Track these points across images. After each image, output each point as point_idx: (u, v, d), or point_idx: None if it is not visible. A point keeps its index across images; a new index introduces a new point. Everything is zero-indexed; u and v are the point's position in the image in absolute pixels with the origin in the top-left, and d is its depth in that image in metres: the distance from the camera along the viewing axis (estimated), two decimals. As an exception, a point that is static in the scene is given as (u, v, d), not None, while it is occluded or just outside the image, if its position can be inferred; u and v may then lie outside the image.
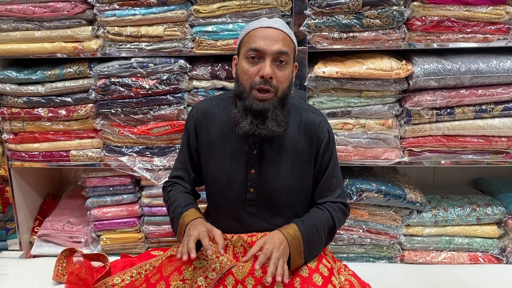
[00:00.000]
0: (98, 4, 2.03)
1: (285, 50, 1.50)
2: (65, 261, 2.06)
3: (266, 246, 1.43)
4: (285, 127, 1.56)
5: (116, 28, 2.05)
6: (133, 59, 2.07)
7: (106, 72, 2.07)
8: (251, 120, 1.51)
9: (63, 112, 2.16)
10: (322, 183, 1.68)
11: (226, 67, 2.07)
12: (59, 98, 2.16)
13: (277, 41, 1.49)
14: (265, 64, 1.48)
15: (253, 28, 1.54)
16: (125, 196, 2.28)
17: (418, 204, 2.10)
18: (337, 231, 2.12)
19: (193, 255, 1.40)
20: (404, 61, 1.98)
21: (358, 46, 1.97)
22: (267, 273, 1.38)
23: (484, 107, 2.02)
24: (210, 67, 2.09)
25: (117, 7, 2.03)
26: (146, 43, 2.05)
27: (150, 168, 2.17)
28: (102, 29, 2.06)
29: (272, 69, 1.49)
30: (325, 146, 1.64)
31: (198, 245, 1.50)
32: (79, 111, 2.15)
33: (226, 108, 1.66)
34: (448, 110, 2.02)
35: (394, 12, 1.89)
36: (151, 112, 2.11)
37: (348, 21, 1.92)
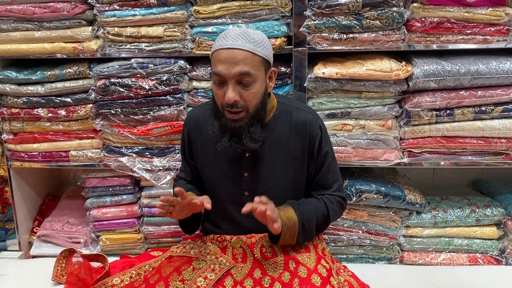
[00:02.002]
0: (98, 5, 2.03)
1: (246, 70, 1.45)
2: (64, 261, 2.06)
3: (262, 201, 1.45)
4: (259, 143, 1.55)
5: (116, 28, 2.05)
6: (133, 60, 2.07)
7: (106, 73, 2.07)
8: (228, 138, 1.53)
9: (62, 112, 2.16)
10: (319, 179, 1.68)
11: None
12: (59, 98, 2.16)
13: (237, 63, 1.44)
14: (228, 88, 1.46)
15: (215, 49, 1.50)
16: (124, 196, 2.28)
17: (417, 205, 2.10)
18: (337, 232, 2.14)
19: (177, 189, 1.46)
20: (403, 62, 1.98)
21: (358, 47, 1.97)
22: (253, 203, 1.43)
23: (483, 108, 2.02)
24: (209, 68, 2.09)
25: (117, 7, 2.03)
26: (146, 44, 2.06)
27: (149, 168, 2.17)
28: (102, 30, 2.07)
29: (237, 91, 1.46)
30: (319, 143, 1.64)
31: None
32: (78, 111, 2.15)
33: None
34: (448, 111, 2.02)
35: (394, 13, 1.89)
36: (151, 113, 2.11)
37: (348, 22, 1.92)
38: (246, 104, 1.49)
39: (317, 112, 1.96)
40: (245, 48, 1.46)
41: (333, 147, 2.04)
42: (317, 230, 1.65)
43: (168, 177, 2.15)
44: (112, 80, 2.08)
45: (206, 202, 1.50)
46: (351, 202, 2.05)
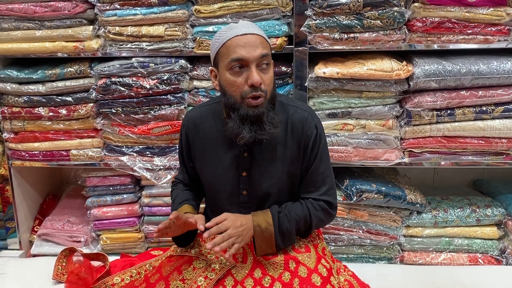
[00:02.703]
0: (99, 4, 2.03)
1: (266, 52, 1.48)
2: (65, 260, 2.06)
3: (224, 222, 1.48)
4: (279, 128, 1.55)
5: (117, 27, 2.05)
6: (133, 59, 2.08)
7: (107, 72, 2.08)
8: (249, 128, 1.51)
9: (63, 111, 2.16)
10: (307, 178, 1.66)
11: (227, 67, 2.07)
12: (60, 97, 2.16)
13: (257, 46, 1.47)
14: (251, 72, 1.46)
15: (228, 38, 1.49)
16: (125, 195, 2.28)
17: (418, 205, 2.10)
18: (337, 231, 2.14)
19: (172, 216, 1.45)
20: (404, 62, 1.98)
21: (358, 47, 1.97)
22: (211, 242, 1.43)
23: (484, 108, 2.02)
24: (210, 67, 2.09)
25: (118, 6, 2.03)
26: (147, 43, 2.06)
27: (150, 167, 2.17)
28: (103, 29, 2.07)
29: (259, 76, 1.47)
30: (313, 142, 1.62)
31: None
32: (79, 110, 2.15)
33: (215, 113, 1.67)
34: (449, 111, 2.02)
35: (395, 13, 1.89)
36: (152, 112, 2.11)
37: (349, 21, 1.92)
38: (265, 88, 1.50)
39: (318, 112, 1.96)
40: (260, 34, 1.51)
41: (334, 147, 2.06)
42: (299, 236, 1.66)
43: (169, 176, 2.15)
44: (113, 79, 2.08)
45: (199, 223, 1.48)
46: (352, 201, 2.05)
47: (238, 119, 1.51)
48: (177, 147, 2.14)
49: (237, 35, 1.48)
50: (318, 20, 1.93)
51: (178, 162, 2.11)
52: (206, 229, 1.47)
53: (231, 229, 1.46)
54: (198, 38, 2.03)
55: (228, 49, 1.48)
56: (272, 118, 1.51)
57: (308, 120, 1.62)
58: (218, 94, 2.06)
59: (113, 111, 2.12)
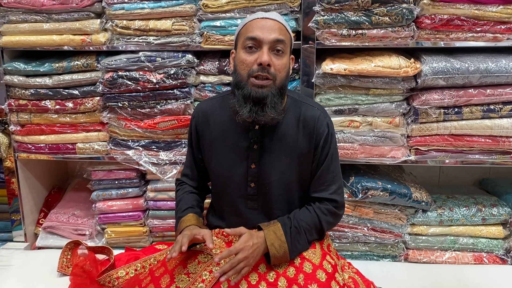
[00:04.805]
0: (107, -3, 2.03)
1: (282, 38, 1.52)
2: (69, 253, 2.07)
3: (236, 245, 1.46)
4: (284, 116, 1.56)
5: (124, 21, 2.05)
6: (140, 53, 2.07)
7: (114, 66, 2.08)
8: (250, 107, 1.52)
9: (70, 104, 2.16)
10: (317, 177, 1.67)
11: (234, 63, 2.07)
12: (66, 90, 2.16)
13: (274, 30, 1.52)
14: (262, 52, 1.50)
15: (249, 20, 1.56)
16: (130, 189, 2.28)
17: (423, 203, 2.10)
18: (342, 228, 2.14)
19: (184, 248, 1.44)
20: (412, 59, 1.97)
21: (366, 44, 1.96)
22: (219, 270, 1.42)
23: (492, 107, 2.01)
24: (217, 62, 2.09)
25: (126, 0, 2.03)
26: (154, 37, 2.05)
27: (156, 162, 2.17)
28: (110, 22, 2.07)
29: (270, 57, 1.50)
30: (324, 141, 1.63)
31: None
32: (86, 104, 2.15)
33: (225, 105, 1.68)
34: (456, 110, 2.01)
35: (404, 10, 1.88)
36: (158, 106, 2.11)
37: (357, 18, 1.91)
38: (275, 73, 1.51)
39: (325, 108, 1.96)
40: (280, 21, 1.55)
41: (340, 144, 2.05)
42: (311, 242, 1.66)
43: (174, 171, 2.15)
44: (120, 73, 2.08)
45: (209, 242, 1.46)
46: (357, 199, 2.05)
47: (241, 97, 1.53)
48: (183, 142, 2.15)
49: (258, 18, 1.54)
50: (326, 16, 1.92)
51: (183, 156, 2.13)
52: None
53: (242, 253, 1.44)
54: (205, 32, 2.03)
55: (247, 29, 1.55)
56: (275, 103, 1.52)
57: (320, 118, 1.64)
58: (224, 89, 2.08)
59: (120, 105, 2.12)
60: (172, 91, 2.09)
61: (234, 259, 1.43)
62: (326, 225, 1.64)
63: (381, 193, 2.04)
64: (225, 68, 2.07)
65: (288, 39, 1.56)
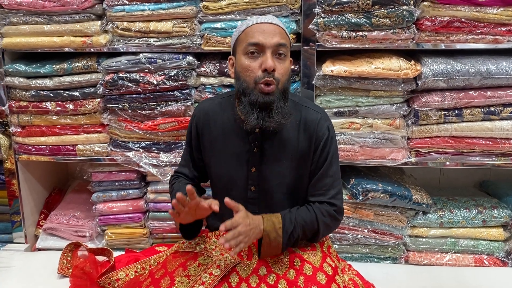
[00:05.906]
0: (108, -1, 2.03)
1: (283, 42, 1.52)
2: (70, 254, 2.07)
3: (236, 217, 1.45)
4: (289, 120, 1.55)
5: (125, 23, 2.05)
6: (141, 55, 2.08)
7: (114, 67, 2.08)
8: (257, 114, 1.51)
9: (70, 106, 2.16)
10: (315, 181, 1.65)
11: (234, 64, 2.07)
12: (67, 92, 2.16)
13: (275, 34, 1.51)
14: (266, 57, 1.49)
15: (248, 25, 1.55)
16: (130, 191, 2.28)
17: (424, 205, 2.09)
18: (342, 230, 2.14)
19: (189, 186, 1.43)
20: (413, 61, 1.97)
21: (367, 45, 1.96)
22: (224, 237, 1.41)
23: (492, 109, 2.00)
24: (218, 64, 2.09)
25: (127, 2, 2.03)
26: (155, 39, 2.06)
27: (156, 163, 2.17)
28: (111, 24, 2.07)
29: (274, 62, 1.50)
30: (324, 144, 1.62)
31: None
32: (86, 105, 2.15)
33: (227, 107, 1.68)
34: (456, 111, 2.01)
35: (404, 12, 1.88)
36: (158, 108, 2.11)
37: (358, 20, 1.91)
38: (279, 77, 1.51)
39: (325, 110, 1.95)
40: (280, 25, 1.56)
41: (340, 145, 2.05)
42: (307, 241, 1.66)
43: (175, 173, 2.15)
44: (120, 74, 2.08)
45: (213, 204, 1.45)
46: (357, 201, 2.04)
47: (248, 104, 1.52)
48: (183, 144, 2.15)
49: (257, 23, 1.53)
50: (326, 18, 1.92)
51: (184, 158, 2.12)
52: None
53: (241, 227, 1.44)
54: (206, 34, 2.03)
55: (247, 35, 1.53)
56: (281, 108, 1.52)
57: (321, 121, 1.63)
58: (225, 90, 2.08)
59: (120, 106, 2.12)
60: (172, 93, 2.09)
61: (235, 230, 1.42)
62: (323, 226, 1.61)
63: (382, 195, 2.04)
64: (226, 70, 2.07)
65: (288, 42, 1.57)
